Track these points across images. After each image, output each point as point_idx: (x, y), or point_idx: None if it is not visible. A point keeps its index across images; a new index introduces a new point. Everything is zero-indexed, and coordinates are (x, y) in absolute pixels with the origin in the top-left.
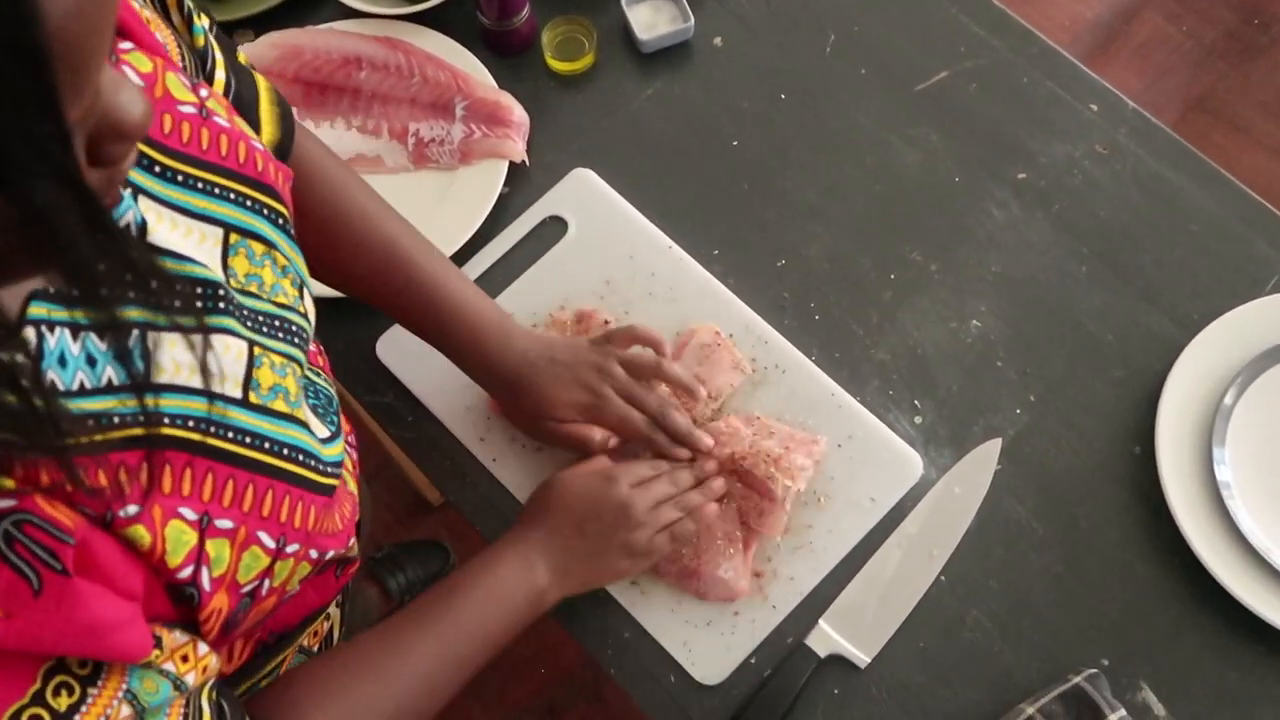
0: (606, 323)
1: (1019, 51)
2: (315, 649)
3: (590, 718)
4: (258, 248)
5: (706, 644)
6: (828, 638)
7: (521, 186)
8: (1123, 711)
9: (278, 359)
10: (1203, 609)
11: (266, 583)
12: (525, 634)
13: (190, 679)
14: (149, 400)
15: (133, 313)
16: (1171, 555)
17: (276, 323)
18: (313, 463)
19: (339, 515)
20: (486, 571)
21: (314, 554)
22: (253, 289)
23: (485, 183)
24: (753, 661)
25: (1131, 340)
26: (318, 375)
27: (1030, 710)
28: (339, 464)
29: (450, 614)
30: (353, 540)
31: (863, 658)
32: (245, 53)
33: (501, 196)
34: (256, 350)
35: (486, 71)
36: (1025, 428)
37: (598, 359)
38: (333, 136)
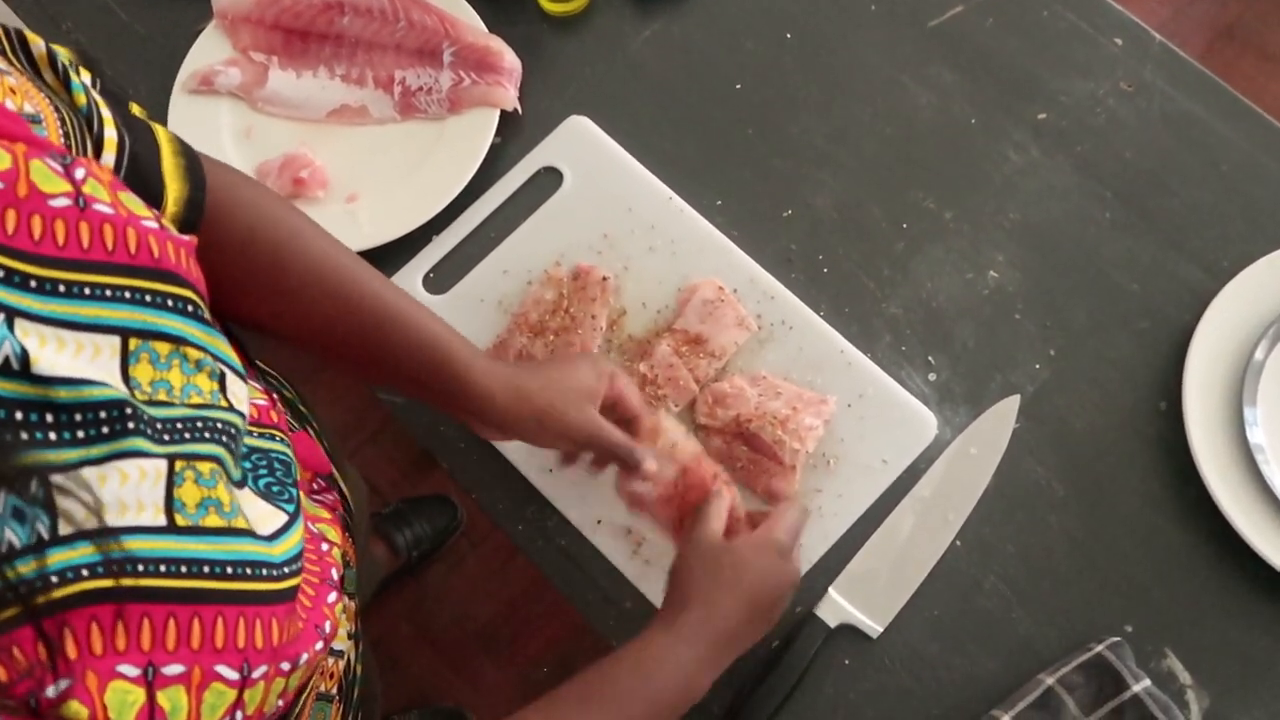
0: (605, 279)
1: None
2: (333, 691)
3: None
4: (162, 348)
5: None
6: (838, 607)
7: (514, 136)
8: (1147, 682)
9: (205, 467)
10: (1231, 572)
11: (239, 715)
12: (535, 591)
13: None
14: (51, 557)
15: (31, 457)
16: (1199, 516)
17: (198, 424)
18: (264, 571)
19: (300, 607)
20: (643, 666)
21: (287, 665)
22: (161, 396)
23: (476, 133)
24: None
25: (1157, 289)
26: (270, 438)
27: (1050, 681)
28: (297, 557)
29: (610, 699)
30: (327, 625)
31: (875, 627)
32: None
33: (493, 147)
34: (178, 465)
35: (476, 15)
36: (1045, 384)
37: (587, 391)
38: (315, 87)
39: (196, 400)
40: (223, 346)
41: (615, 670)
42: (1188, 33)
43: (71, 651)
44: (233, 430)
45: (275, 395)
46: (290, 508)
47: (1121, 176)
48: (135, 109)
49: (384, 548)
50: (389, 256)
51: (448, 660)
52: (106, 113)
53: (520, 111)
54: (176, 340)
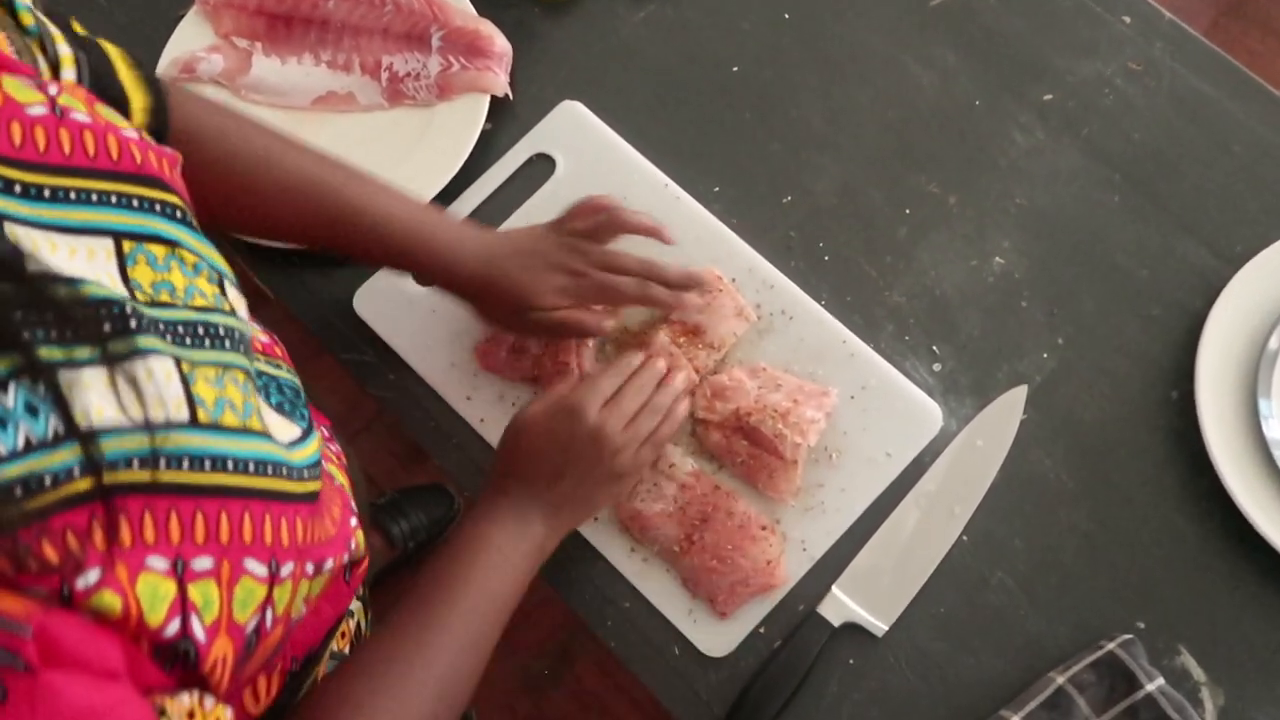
0: None
1: None
2: (346, 650)
3: (605, 660)
4: (159, 250)
5: (713, 614)
6: (842, 605)
7: (505, 123)
8: (1161, 680)
9: (210, 371)
10: (1246, 566)
11: (269, 613)
12: (535, 580)
13: None
14: (55, 456)
15: (43, 352)
16: (1212, 509)
17: (200, 330)
18: (285, 471)
19: (329, 519)
20: (482, 542)
21: (312, 568)
22: (164, 298)
23: (466, 120)
24: (762, 631)
25: (1169, 275)
26: (278, 368)
27: (1060, 680)
28: (316, 464)
29: (461, 599)
30: (353, 541)
31: (880, 625)
32: None
33: (483, 134)
34: (185, 367)
35: None
36: (1053, 373)
37: (563, 239)
38: (300, 73)
39: (200, 303)
40: (214, 255)
41: (462, 559)
42: (1193, 9)
43: (100, 543)
44: (237, 334)
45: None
46: (304, 424)
47: (1130, 158)
48: (78, 27)
49: (380, 539)
50: None
51: None
52: (55, 30)
53: (511, 97)
54: (170, 243)
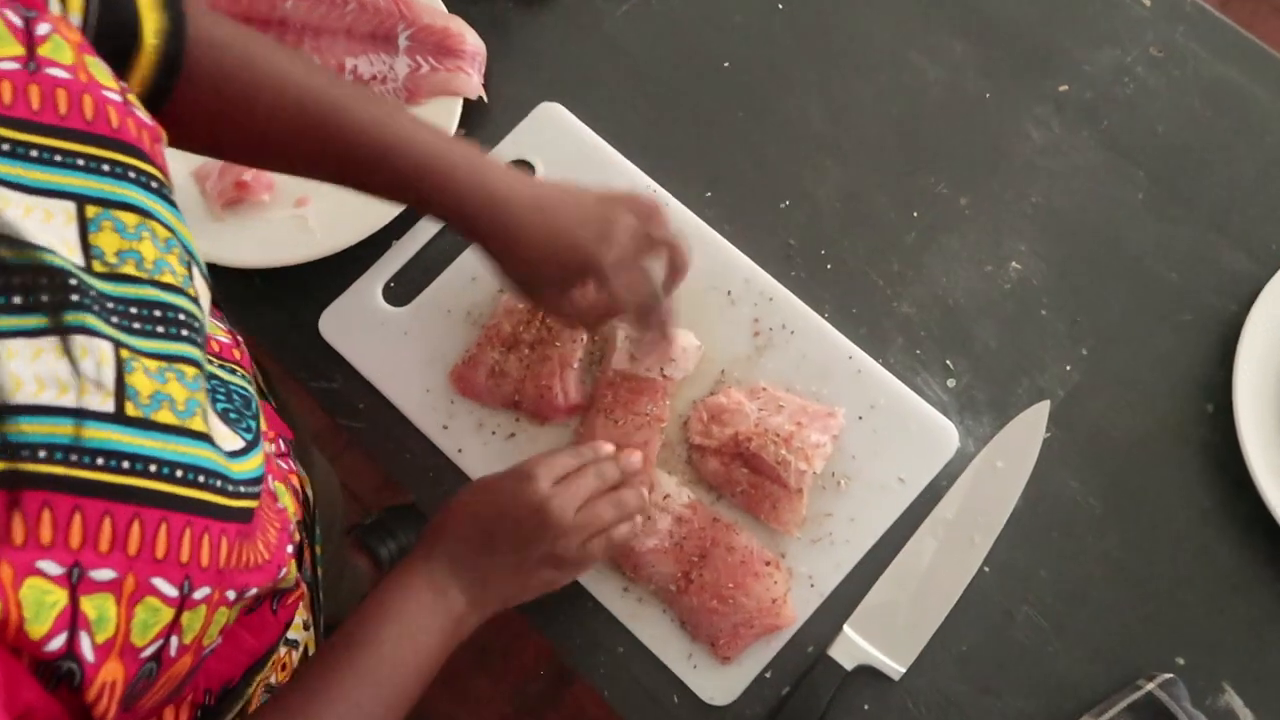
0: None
1: None
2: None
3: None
4: (129, 218)
5: (714, 658)
6: (854, 646)
7: (480, 127)
8: None
9: (153, 362)
10: None
11: (174, 640)
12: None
13: None
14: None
15: None
16: (1254, 532)
17: (157, 312)
18: (218, 483)
19: (263, 543)
20: (394, 610)
21: (233, 595)
22: (129, 269)
23: (437, 125)
24: (768, 677)
25: (1200, 278)
26: (232, 372)
27: None
28: (257, 480)
29: (363, 670)
30: (286, 569)
31: (896, 668)
32: None
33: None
34: (124, 353)
35: None
36: (1077, 387)
37: (615, 206)
38: None
39: (169, 279)
40: (188, 234)
41: (371, 626)
42: None
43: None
44: (196, 324)
45: (243, 343)
46: (249, 436)
47: (1154, 152)
48: None
49: (367, 561)
50: (344, 265)
51: (438, 675)
52: None
53: (486, 99)
54: (144, 213)
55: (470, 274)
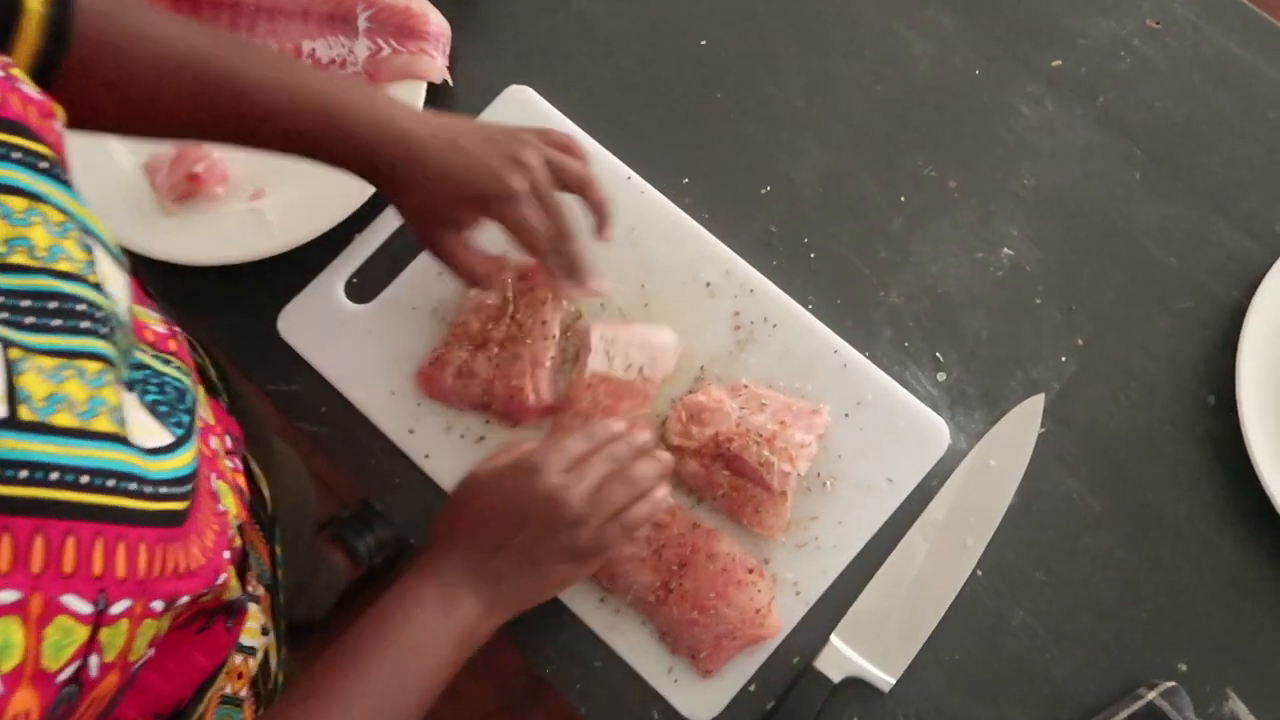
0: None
1: None
2: (242, 693)
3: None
4: (16, 203)
5: (695, 672)
6: (842, 657)
7: (445, 111)
8: None
9: (48, 361)
10: None
11: (94, 659)
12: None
13: None
14: None
15: None
16: (1260, 530)
17: (52, 305)
18: (132, 486)
19: (198, 546)
20: (403, 620)
21: (160, 605)
22: (18, 257)
23: None
24: (752, 690)
25: (1201, 262)
26: (166, 362)
27: None
28: (184, 479)
29: (370, 684)
30: (224, 575)
31: (886, 679)
32: None
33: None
34: (14, 353)
35: None
36: (1073, 379)
37: (524, 135)
38: None
39: (66, 267)
40: (89, 216)
41: (377, 637)
42: None
43: None
44: (98, 315)
45: (181, 334)
46: (179, 431)
47: (1152, 130)
48: None
49: (343, 556)
50: (304, 261)
51: None
52: None
53: (451, 83)
54: (32, 196)
55: (437, 269)
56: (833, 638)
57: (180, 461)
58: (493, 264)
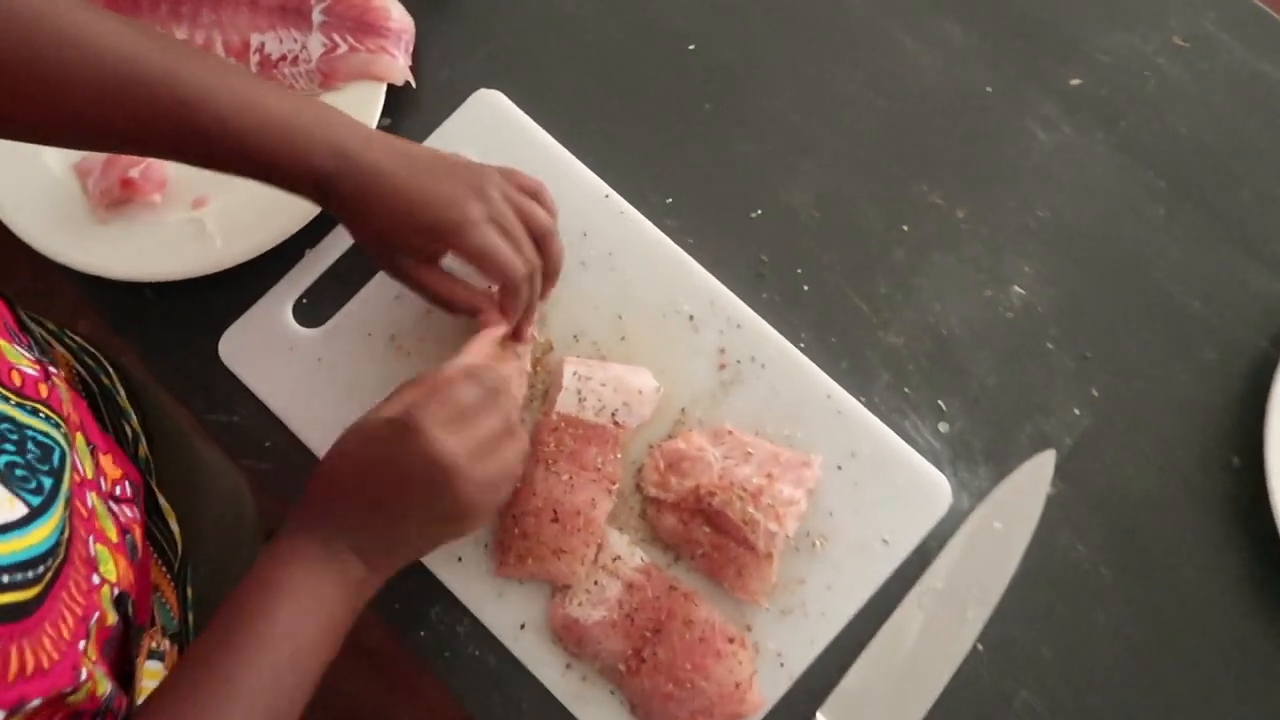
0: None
1: None
2: None
3: None
4: None
5: None
6: None
7: (406, 116)
8: None
9: None
10: None
11: None
12: None
13: None
14: None
15: None
16: None
17: None
18: None
19: (49, 639)
20: (286, 585)
21: (2, 714)
22: None
23: (356, 114)
24: None
25: (1229, 307)
26: (33, 413)
27: None
28: (39, 559)
29: (259, 657)
30: (84, 672)
31: None
32: None
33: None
34: None
35: None
36: (1087, 434)
37: (489, 171)
38: None
39: None
40: None
41: (261, 607)
42: None
43: None
44: None
45: (57, 369)
46: (36, 500)
47: (1178, 160)
48: None
49: None
50: (249, 277)
51: (383, 678)
52: None
53: (414, 85)
54: None
55: (395, 290)
56: (819, 715)
57: (34, 538)
58: (473, 295)
